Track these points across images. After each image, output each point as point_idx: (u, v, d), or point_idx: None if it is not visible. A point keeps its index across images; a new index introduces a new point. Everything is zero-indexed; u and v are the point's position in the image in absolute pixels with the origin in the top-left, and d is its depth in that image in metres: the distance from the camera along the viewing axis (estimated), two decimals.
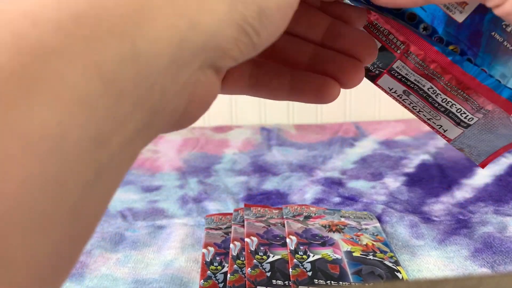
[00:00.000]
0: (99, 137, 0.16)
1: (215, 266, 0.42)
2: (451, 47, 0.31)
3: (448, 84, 0.32)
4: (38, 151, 0.14)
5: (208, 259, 0.43)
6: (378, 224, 0.49)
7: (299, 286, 0.38)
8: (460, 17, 0.30)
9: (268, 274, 0.40)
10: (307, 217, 0.50)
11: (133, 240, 0.48)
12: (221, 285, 0.40)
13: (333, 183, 0.60)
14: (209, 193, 0.59)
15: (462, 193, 0.56)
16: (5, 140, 0.14)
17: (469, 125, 0.34)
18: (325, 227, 0.48)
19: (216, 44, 0.20)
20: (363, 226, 0.48)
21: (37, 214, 0.14)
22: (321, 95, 0.28)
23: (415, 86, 0.33)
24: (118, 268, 0.44)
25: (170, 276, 0.42)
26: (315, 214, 0.51)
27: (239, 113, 0.91)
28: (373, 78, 0.34)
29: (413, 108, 0.34)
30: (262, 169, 0.67)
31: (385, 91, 0.35)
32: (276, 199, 0.57)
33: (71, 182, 0.15)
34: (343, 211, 0.52)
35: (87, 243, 0.17)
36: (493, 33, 0.30)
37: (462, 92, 0.32)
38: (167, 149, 0.77)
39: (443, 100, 0.33)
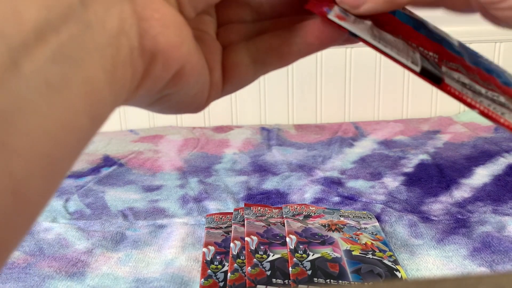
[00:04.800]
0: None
1: (216, 265, 0.42)
2: None
3: None
4: None
5: (208, 258, 0.43)
6: (377, 224, 0.49)
7: (299, 285, 0.38)
8: None
9: (268, 273, 0.40)
10: (307, 217, 0.50)
11: (134, 239, 0.48)
12: (221, 284, 0.40)
13: (332, 183, 0.61)
14: (210, 192, 0.59)
15: (460, 193, 0.57)
16: None
17: None
18: (324, 226, 0.48)
19: None
20: (363, 225, 0.49)
21: None
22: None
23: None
24: (119, 267, 0.44)
25: (171, 275, 0.42)
26: (314, 213, 0.51)
27: (239, 113, 0.91)
28: None
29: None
30: (262, 169, 0.67)
31: None
32: (276, 198, 0.57)
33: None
34: (342, 210, 0.52)
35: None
36: None
37: None
38: (168, 149, 0.77)
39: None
